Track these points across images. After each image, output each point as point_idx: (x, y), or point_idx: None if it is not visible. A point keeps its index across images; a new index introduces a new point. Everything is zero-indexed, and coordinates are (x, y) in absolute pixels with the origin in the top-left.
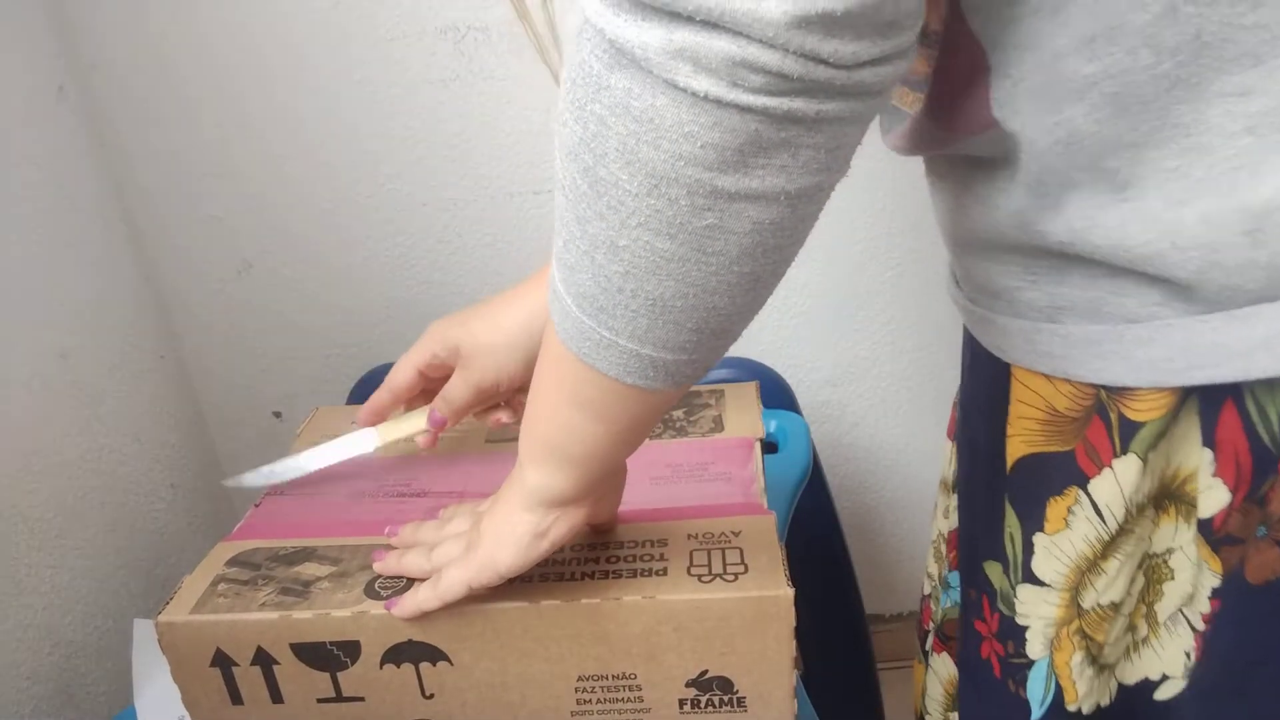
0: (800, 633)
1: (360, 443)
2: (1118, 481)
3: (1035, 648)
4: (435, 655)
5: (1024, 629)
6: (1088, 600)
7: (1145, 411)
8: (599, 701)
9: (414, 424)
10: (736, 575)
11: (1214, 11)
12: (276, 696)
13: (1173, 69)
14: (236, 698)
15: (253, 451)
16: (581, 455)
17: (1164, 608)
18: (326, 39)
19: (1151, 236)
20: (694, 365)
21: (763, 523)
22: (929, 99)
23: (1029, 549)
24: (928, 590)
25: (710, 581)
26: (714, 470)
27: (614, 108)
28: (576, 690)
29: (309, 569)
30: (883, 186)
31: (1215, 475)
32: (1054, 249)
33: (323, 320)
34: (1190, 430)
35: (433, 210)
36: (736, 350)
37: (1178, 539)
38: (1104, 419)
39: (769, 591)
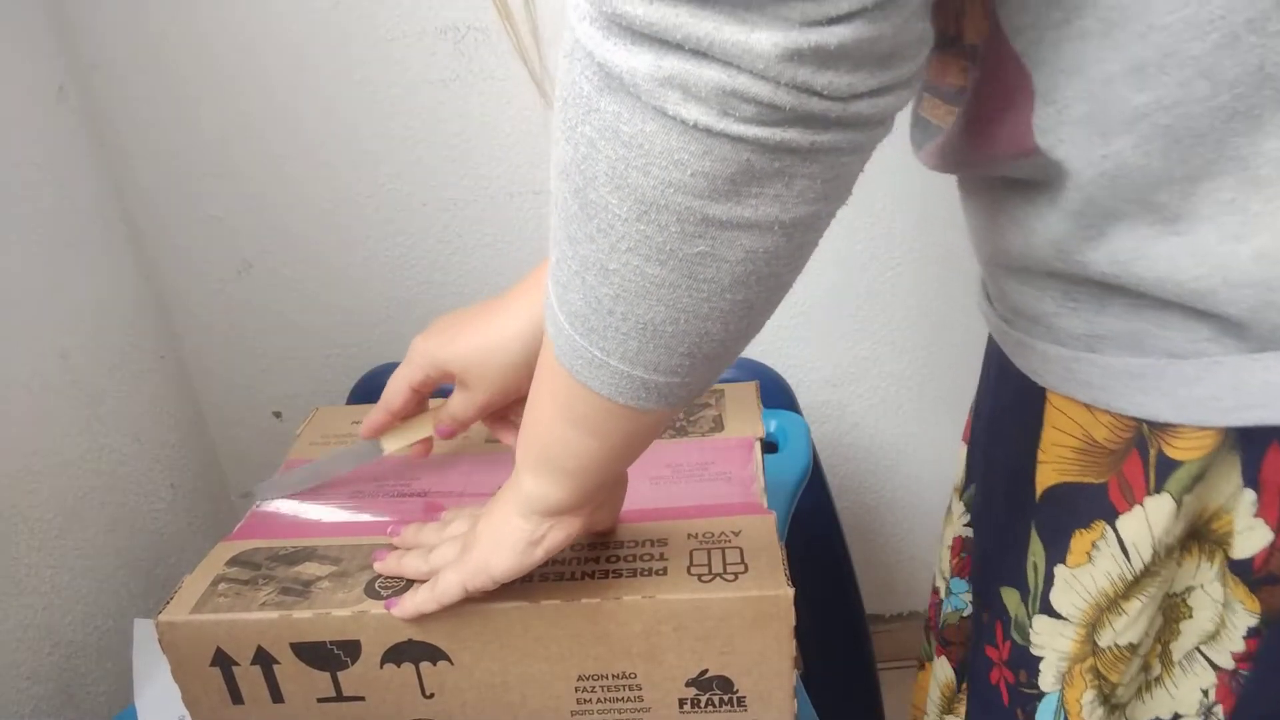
0: (800, 633)
1: (368, 452)
2: (1148, 521)
3: (1047, 680)
4: (435, 655)
5: (1037, 659)
6: (1104, 639)
7: (1186, 450)
8: (599, 701)
9: (419, 433)
10: (736, 575)
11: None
12: (277, 696)
13: (1230, 101)
14: (237, 697)
15: (253, 451)
16: (575, 468)
17: (1179, 646)
18: (326, 39)
19: (1203, 271)
20: (687, 388)
21: (763, 522)
22: (965, 118)
23: (1049, 580)
24: (938, 585)
25: (710, 581)
26: (714, 470)
27: (603, 131)
28: (576, 690)
29: (309, 569)
30: (883, 187)
31: (1257, 516)
32: (1095, 279)
33: (323, 320)
34: (1227, 469)
35: (433, 210)
36: None
37: (1198, 577)
38: (1142, 454)
39: (769, 591)
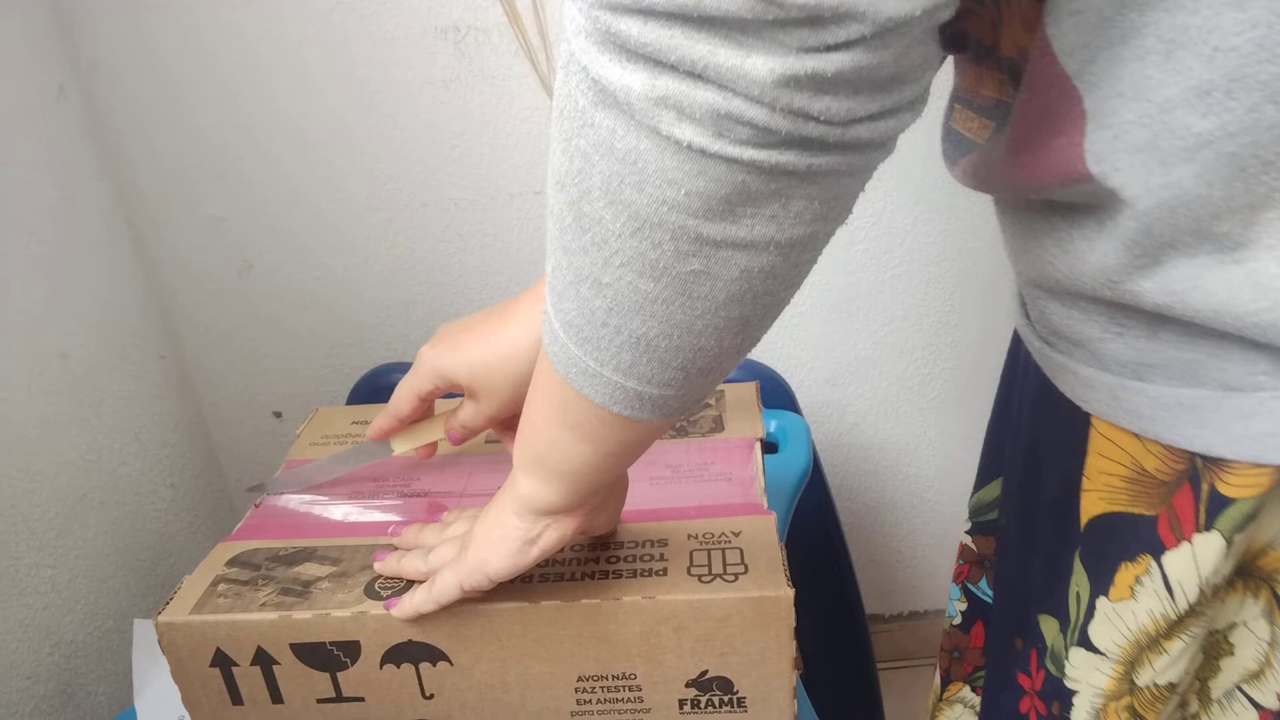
0: (800, 633)
1: (377, 451)
2: (1195, 560)
3: (1081, 715)
4: (435, 655)
5: (1071, 693)
6: (1143, 678)
7: (1240, 487)
8: (599, 702)
9: (428, 436)
10: (736, 575)
11: None
12: (276, 697)
13: None
14: (236, 698)
15: (253, 451)
16: (569, 472)
17: (1219, 684)
18: (327, 39)
19: (1264, 303)
20: (681, 400)
21: (763, 523)
22: (1008, 141)
23: (1090, 612)
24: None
25: (710, 582)
26: (714, 470)
27: (598, 145)
28: (576, 690)
29: (309, 569)
30: (883, 186)
31: None
32: (1147, 309)
33: (323, 320)
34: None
35: (433, 210)
36: None
37: (1242, 613)
38: (1194, 488)
39: (769, 592)
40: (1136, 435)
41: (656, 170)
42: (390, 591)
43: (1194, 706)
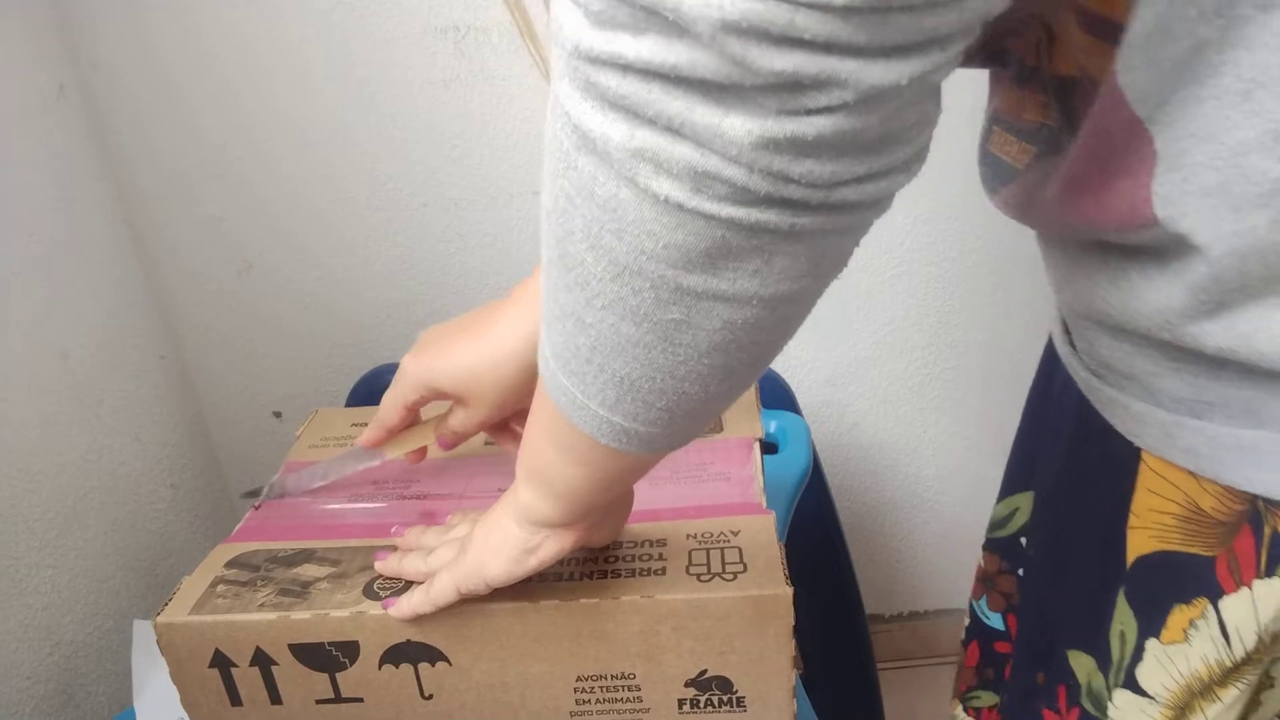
0: (800, 633)
1: (368, 457)
2: (1255, 606)
3: None
4: (434, 656)
5: None
6: None
7: None
8: (598, 701)
9: (417, 441)
10: (735, 574)
11: None
12: (275, 697)
13: None
14: (235, 699)
15: (253, 451)
16: (565, 492)
17: (1260, 716)
18: (327, 39)
19: None
20: (668, 438)
21: (762, 522)
22: (1063, 180)
23: (1139, 653)
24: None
25: (709, 581)
26: (713, 471)
27: (580, 188)
28: (575, 690)
29: (308, 570)
30: None
31: None
32: (1208, 352)
33: (323, 320)
34: None
35: (433, 210)
36: None
37: None
38: (1256, 531)
39: (768, 590)
40: (1192, 473)
41: (635, 220)
42: (389, 592)
43: None
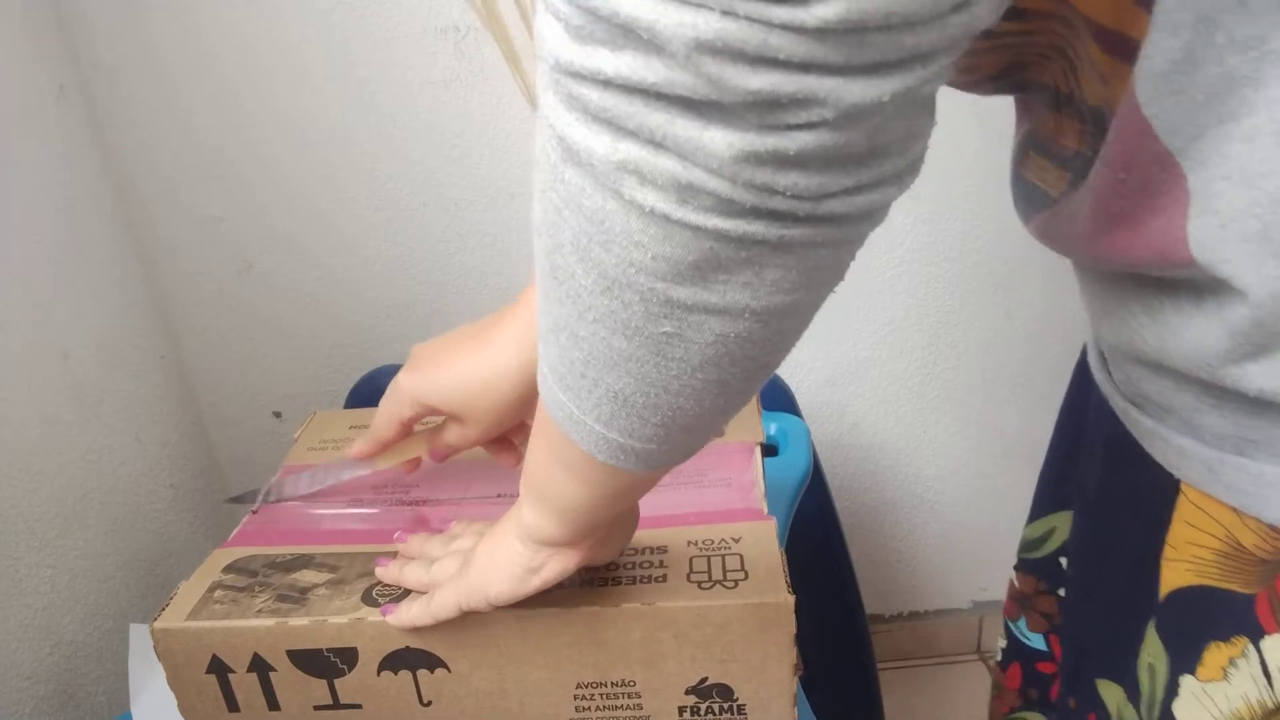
0: (800, 634)
1: (360, 465)
2: None
3: None
4: (433, 662)
5: None
6: None
7: None
8: (598, 709)
9: (411, 452)
10: (736, 582)
11: None
12: (273, 704)
13: None
14: (233, 705)
15: (252, 452)
16: (566, 510)
17: None
18: (327, 40)
19: None
20: (666, 454)
21: (763, 529)
22: (1097, 213)
23: (1173, 689)
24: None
25: (710, 588)
26: (713, 476)
27: (568, 201)
28: (575, 697)
29: (306, 576)
30: None
31: None
32: (1249, 394)
33: (323, 320)
34: None
35: (433, 211)
36: None
37: None
38: None
39: (769, 598)
40: (1234, 509)
41: (622, 232)
42: (388, 598)
43: None
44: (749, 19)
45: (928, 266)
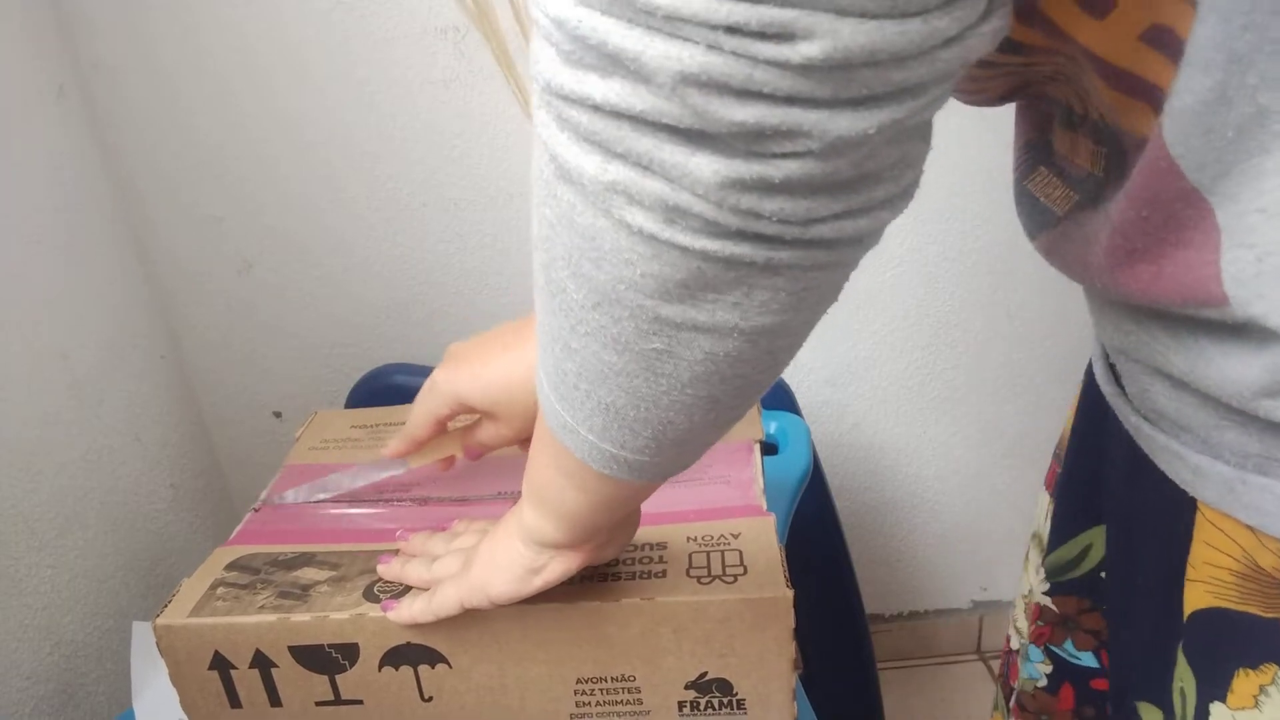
0: (800, 633)
1: (393, 466)
2: None
3: None
4: (434, 658)
5: None
6: None
7: None
8: (598, 704)
9: (444, 451)
10: (736, 577)
11: None
12: (275, 699)
13: None
14: (235, 701)
15: (253, 452)
16: (565, 514)
17: None
18: (326, 39)
19: None
20: (659, 466)
21: (762, 524)
22: (1111, 248)
23: (1203, 715)
24: (1015, 646)
25: (709, 583)
26: (713, 473)
27: (561, 216)
28: (576, 693)
29: (308, 573)
30: None
31: None
32: (1276, 422)
33: (323, 320)
34: None
35: (433, 211)
36: None
37: None
38: None
39: (768, 593)
40: (1252, 529)
41: (613, 249)
42: (389, 594)
43: None
44: (734, 54)
45: (928, 266)
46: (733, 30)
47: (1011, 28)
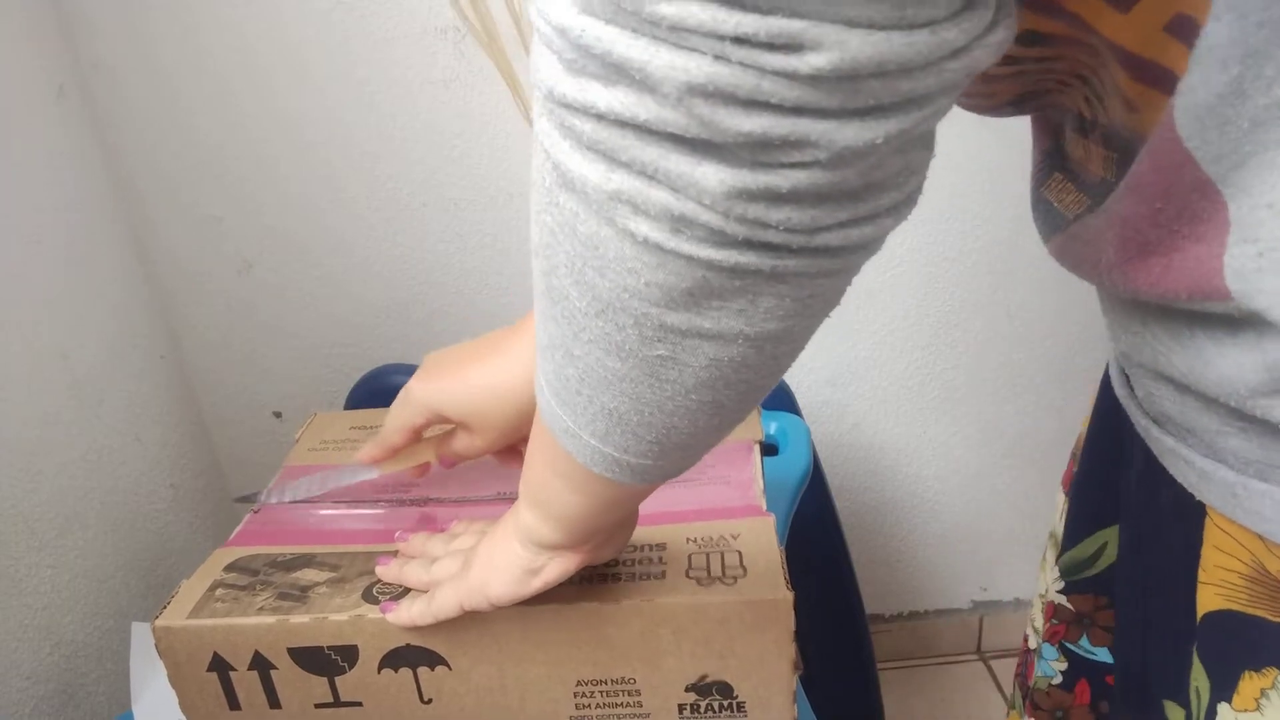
0: (800, 633)
1: (364, 471)
2: None
3: None
4: (433, 660)
5: None
6: None
7: None
8: (598, 706)
9: (418, 459)
10: (736, 578)
11: None
12: (274, 701)
13: None
14: (234, 703)
15: (253, 452)
16: (563, 516)
17: None
18: (326, 39)
19: None
20: (661, 470)
21: (762, 525)
22: (1120, 240)
23: (1212, 714)
24: (1033, 645)
25: (709, 585)
26: (713, 474)
27: (562, 224)
28: (575, 694)
29: (307, 575)
30: None
31: None
32: (1277, 423)
33: (323, 320)
34: None
35: (433, 210)
36: None
37: None
38: None
39: (768, 595)
40: (1258, 534)
41: (616, 258)
42: (388, 596)
43: None
44: (742, 64)
45: (928, 266)
46: (740, 41)
47: (1034, 21)
